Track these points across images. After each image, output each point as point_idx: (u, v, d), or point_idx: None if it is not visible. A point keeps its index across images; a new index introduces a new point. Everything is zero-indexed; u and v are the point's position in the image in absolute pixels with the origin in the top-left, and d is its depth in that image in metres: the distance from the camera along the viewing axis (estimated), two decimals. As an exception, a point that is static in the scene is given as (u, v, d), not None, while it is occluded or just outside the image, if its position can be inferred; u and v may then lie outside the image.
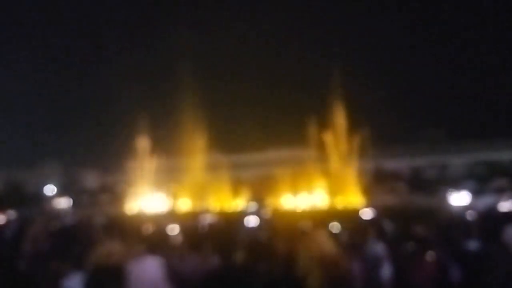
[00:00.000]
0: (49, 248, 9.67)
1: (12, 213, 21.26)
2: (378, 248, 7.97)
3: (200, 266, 7.58)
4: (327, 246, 5.92)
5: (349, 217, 13.51)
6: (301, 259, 6.20)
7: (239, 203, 28.89)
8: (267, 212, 19.14)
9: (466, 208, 16.83)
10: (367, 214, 15.00)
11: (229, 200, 29.96)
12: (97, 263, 6.46)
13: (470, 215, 12.25)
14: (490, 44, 49.52)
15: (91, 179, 51.44)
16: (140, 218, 20.51)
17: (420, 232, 8.59)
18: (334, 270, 5.71)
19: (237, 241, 8.83)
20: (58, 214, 23.71)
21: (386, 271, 7.44)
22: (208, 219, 15.61)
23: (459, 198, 20.66)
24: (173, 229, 11.18)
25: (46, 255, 8.60)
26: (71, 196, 36.14)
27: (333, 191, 26.98)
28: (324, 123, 28.08)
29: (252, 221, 13.42)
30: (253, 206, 25.33)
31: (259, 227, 12.00)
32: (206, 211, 23.00)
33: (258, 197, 27.90)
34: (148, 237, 9.54)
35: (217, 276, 7.14)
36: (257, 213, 17.79)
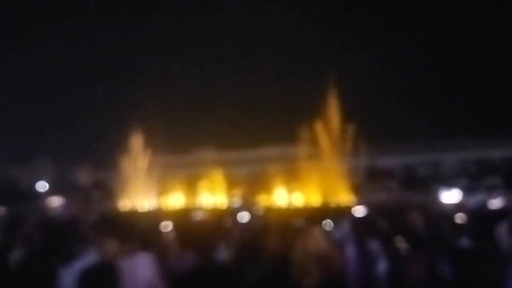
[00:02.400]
0: (40, 245, 9.61)
1: (2, 210, 21.14)
2: (372, 245, 7.98)
3: (191, 263, 7.56)
4: (322, 244, 5.92)
5: (342, 215, 13.52)
6: (295, 257, 6.19)
7: (231, 200, 28.92)
8: (259, 209, 19.15)
9: (457, 205, 16.92)
10: (359, 211, 15.03)
11: (222, 197, 29.99)
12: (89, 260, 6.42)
13: (461, 213, 12.29)
14: (484, 42, 49.70)
15: (83, 176, 51.24)
16: (132, 215, 20.48)
17: (412, 224, 8.63)
18: (329, 267, 5.71)
19: (228, 238, 8.81)
20: (50, 211, 23.60)
21: (381, 268, 7.46)
22: (200, 215, 15.58)
23: (451, 196, 20.77)
24: (166, 226, 11.15)
25: (37, 252, 8.55)
26: (63, 193, 36.01)
27: (326, 188, 27.01)
28: (317, 121, 28.09)
29: (244, 217, 13.41)
30: (240, 202, 25.46)
31: (251, 224, 11.99)
32: (198, 207, 22.99)
33: (250, 194, 27.94)
34: (140, 234, 9.50)
35: (209, 273, 7.13)
36: (248, 210, 17.78)
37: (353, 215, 13.94)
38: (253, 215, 14.35)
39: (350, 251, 7.85)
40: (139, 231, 10.51)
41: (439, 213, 14.10)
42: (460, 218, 11.28)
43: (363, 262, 7.67)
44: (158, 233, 9.98)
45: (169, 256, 7.90)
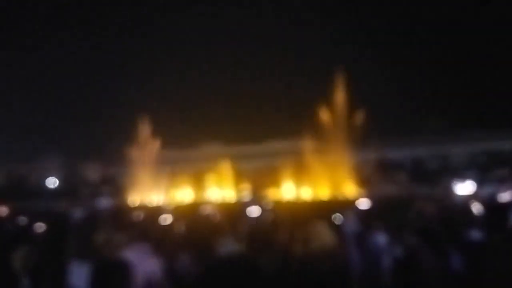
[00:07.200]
0: (52, 243, 9.68)
1: (16, 206, 21.23)
2: (380, 238, 7.97)
3: (200, 258, 7.58)
4: (331, 237, 5.91)
5: (351, 208, 13.49)
6: (304, 250, 6.19)
7: (240, 194, 28.94)
8: (268, 203, 19.13)
9: (469, 197, 16.81)
10: (367, 204, 14.99)
11: (230, 191, 30.03)
12: (101, 256, 6.46)
13: (472, 205, 12.23)
14: (492, 34, 49.32)
15: (92, 171, 51.43)
16: (141, 210, 20.53)
17: (422, 216, 8.61)
18: (338, 260, 5.71)
19: (237, 232, 8.82)
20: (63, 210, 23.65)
21: (388, 261, 7.45)
22: (208, 210, 15.59)
23: (464, 188, 20.65)
24: (170, 219, 11.25)
25: (50, 249, 8.61)
26: (72, 189, 36.21)
27: (334, 182, 26.96)
28: (325, 114, 28.00)
29: (253, 212, 13.41)
30: (248, 196, 25.47)
31: (260, 218, 11.99)
32: (207, 202, 23.03)
33: (258, 188, 27.92)
34: (148, 229, 9.54)
35: (218, 268, 7.13)
36: (257, 204, 17.77)
37: (361, 209, 13.93)
38: (262, 209, 14.36)
39: (359, 244, 7.85)
40: (147, 227, 10.55)
41: (449, 205, 14.05)
42: (470, 210, 11.23)
43: (371, 254, 7.67)
44: (166, 228, 10.02)
45: (177, 251, 7.93)
